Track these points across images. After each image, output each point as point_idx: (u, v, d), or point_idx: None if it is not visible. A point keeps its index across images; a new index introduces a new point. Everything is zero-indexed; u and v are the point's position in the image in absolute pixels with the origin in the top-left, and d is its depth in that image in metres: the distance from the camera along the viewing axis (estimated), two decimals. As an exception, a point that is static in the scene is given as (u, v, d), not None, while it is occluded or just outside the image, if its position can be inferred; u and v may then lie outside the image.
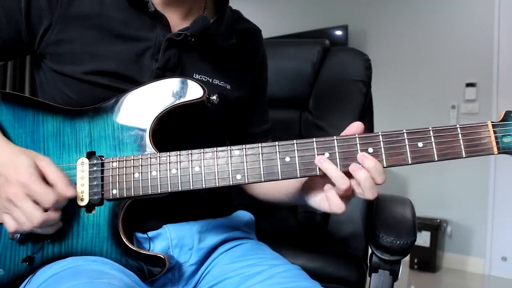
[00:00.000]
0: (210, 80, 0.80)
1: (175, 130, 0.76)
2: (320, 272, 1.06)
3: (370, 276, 0.91)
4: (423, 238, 3.04)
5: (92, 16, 0.74)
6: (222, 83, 0.82)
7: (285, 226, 1.18)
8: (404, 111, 3.33)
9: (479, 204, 3.08)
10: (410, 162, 0.63)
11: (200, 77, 0.79)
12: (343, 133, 0.65)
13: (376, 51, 3.29)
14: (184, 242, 0.75)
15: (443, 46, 3.23)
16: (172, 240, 0.74)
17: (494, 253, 3.04)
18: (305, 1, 3.86)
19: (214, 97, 0.73)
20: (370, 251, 0.92)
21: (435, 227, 3.06)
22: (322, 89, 1.22)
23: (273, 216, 1.19)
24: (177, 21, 0.79)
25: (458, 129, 0.63)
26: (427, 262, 3.05)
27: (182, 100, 0.70)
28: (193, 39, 0.76)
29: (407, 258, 3.07)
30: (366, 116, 1.19)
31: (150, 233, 0.74)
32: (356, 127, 0.64)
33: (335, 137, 0.64)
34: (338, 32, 3.57)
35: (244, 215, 0.89)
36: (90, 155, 0.70)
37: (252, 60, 0.90)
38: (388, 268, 0.88)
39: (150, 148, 0.69)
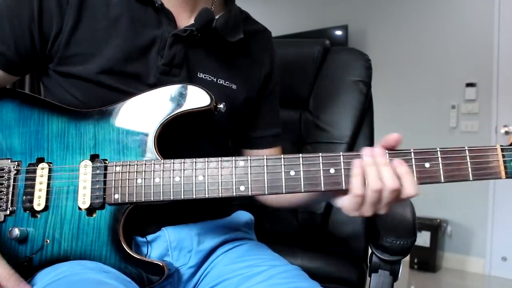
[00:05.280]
0: (215, 80, 0.79)
1: (180, 135, 0.75)
2: (320, 272, 1.06)
3: (370, 276, 0.91)
4: (423, 238, 3.04)
5: (100, 15, 0.73)
6: (227, 83, 0.81)
7: (285, 226, 1.17)
8: (404, 111, 3.33)
9: (479, 204, 3.08)
10: (416, 183, 0.62)
11: (205, 76, 0.78)
12: (382, 142, 0.63)
13: (376, 51, 3.29)
14: (183, 244, 0.75)
15: (443, 46, 3.23)
16: (171, 242, 0.74)
17: (494, 253, 3.04)
18: (305, 1, 3.86)
19: (222, 106, 0.71)
20: (370, 251, 0.92)
21: (435, 227, 3.06)
22: (322, 89, 1.22)
23: (273, 216, 1.19)
24: (184, 17, 0.78)
25: (466, 151, 0.61)
26: (427, 262, 3.05)
27: (188, 107, 0.69)
28: (199, 34, 0.75)
29: (407, 258, 3.07)
30: (366, 116, 1.19)
31: (149, 236, 0.73)
32: (394, 139, 0.63)
33: (341, 153, 0.63)
34: (338, 32, 3.57)
35: (243, 215, 0.89)
36: (94, 158, 0.69)
37: (261, 60, 0.88)
38: (388, 268, 0.88)
39: (154, 154, 0.68)
